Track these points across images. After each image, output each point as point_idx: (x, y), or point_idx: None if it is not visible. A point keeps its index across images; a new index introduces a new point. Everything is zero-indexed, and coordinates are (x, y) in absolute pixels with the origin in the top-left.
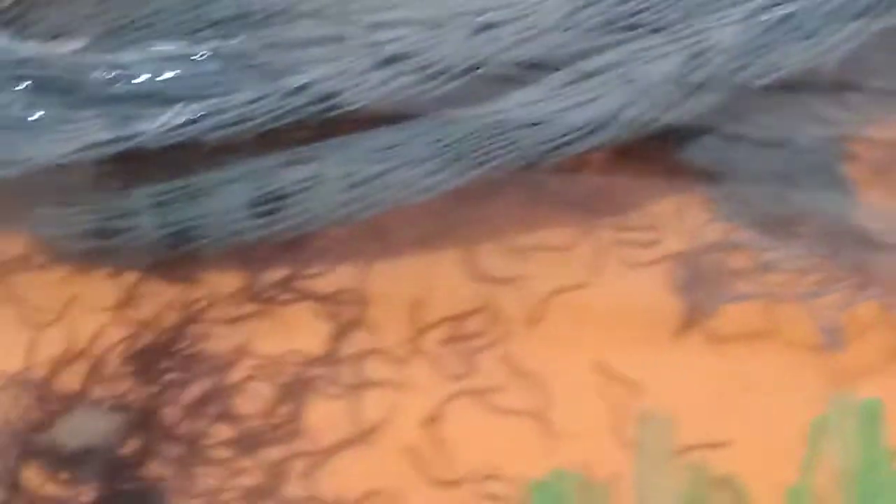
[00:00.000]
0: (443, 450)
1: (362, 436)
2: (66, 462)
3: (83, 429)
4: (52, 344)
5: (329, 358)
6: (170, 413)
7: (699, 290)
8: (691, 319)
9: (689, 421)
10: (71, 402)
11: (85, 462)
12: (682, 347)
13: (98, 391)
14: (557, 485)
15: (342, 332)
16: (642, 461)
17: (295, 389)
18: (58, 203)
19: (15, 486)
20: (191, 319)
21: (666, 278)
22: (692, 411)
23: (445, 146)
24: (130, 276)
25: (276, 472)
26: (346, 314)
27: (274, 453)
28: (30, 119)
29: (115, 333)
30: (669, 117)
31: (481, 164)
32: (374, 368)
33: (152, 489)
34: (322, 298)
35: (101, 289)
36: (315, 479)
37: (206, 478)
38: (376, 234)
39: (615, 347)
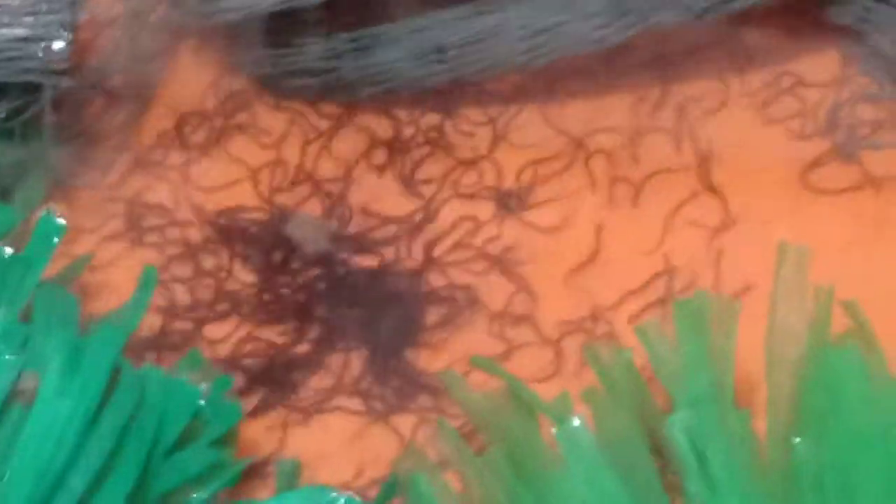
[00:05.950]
0: None
1: None
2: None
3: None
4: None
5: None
6: None
7: (842, 137)
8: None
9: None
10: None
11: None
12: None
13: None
14: (696, 303)
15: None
16: (778, 287)
17: None
18: (272, 45)
19: None
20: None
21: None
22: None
23: (616, 1)
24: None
25: None
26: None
27: None
28: None
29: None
30: None
31: (647, 19)
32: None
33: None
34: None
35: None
36: None
37: None
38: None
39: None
